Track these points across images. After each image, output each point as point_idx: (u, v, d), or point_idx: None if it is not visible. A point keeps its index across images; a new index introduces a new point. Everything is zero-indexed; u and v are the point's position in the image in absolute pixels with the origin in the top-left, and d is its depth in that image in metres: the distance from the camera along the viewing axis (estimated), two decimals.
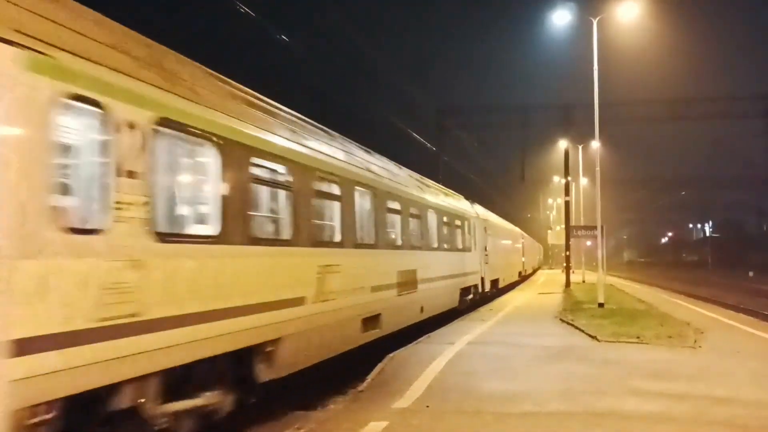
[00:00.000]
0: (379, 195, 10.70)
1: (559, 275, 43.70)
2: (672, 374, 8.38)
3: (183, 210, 6.00)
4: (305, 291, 7.57)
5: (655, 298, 23.94)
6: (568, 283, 30.35)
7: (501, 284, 26.44)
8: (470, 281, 18.98)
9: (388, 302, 10.73)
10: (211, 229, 5.89)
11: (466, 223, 18.64)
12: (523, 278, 40.36)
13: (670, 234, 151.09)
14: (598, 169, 20.59)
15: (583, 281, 35.14)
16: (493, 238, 24.24)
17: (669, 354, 10.12)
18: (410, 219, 12.63)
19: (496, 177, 62.80)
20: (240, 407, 6.50)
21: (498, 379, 8.21)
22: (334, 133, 10.23)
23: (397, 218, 11.90)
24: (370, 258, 10.16)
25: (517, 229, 40.52)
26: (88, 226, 4.45)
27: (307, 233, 7.76)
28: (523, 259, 41.30)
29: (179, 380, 5.40)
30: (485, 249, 21.50)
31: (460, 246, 17.78)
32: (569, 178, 32.91)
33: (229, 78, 7.27)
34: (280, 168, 7.17)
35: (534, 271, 56.49)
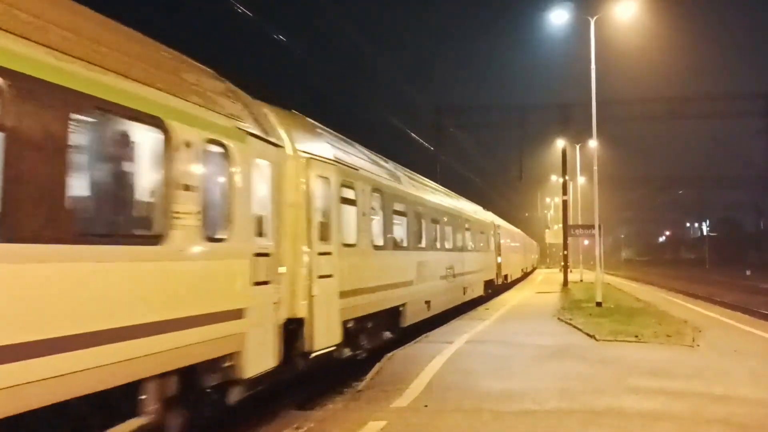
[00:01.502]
0: None
1: (557, 274, 43.73)
2: (670, 373, 8.41)
3: None
4: None
5: (652, 297, 23.99)
6: (566, 282, 30.40)
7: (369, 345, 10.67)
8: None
9: None
10: None
11: None
12: (500, 288, 27.26)
13: (667, 233, 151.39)
14: (595, 168, 20.64)
15: (581, 280, 35.18)
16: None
17: (667, 353, 10.14)
18: None
19: (494, 177, 62.83)
20: (238, 407, 6.49)
21: (496, 377, 8.22)
22: None
23: None
24: None
25: (482, 215, 24.96)
26: None
27: None
28: (500, 259, 27.55)
29: None
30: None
31: None
32: (567, 177, 32.94)
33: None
34: None
35: (525, 275, 46.11)
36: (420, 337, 12.14)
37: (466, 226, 19.91)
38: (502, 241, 28.86)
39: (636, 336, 11.72)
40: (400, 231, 12.62)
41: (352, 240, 9.44)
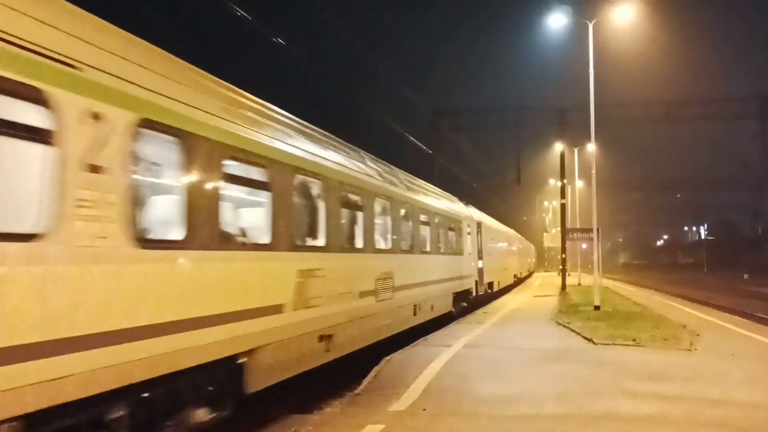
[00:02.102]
0: None
1: (555, 278, 43.78)
2: (667, 376, 8.41)
3: None
4: None
5: (650, 301, 24.01)
6: (564, 286, 30.43)
7: None
8: None
9: None
10: None
11: None
12: (481, 301, 21.72)
13: (665, 236, 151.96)
14: (594, 171, 20.65)
15: (579, 284, 35.23)
16: None
17: (664, 356, 10.15)
18: None
19: (492, 180, 62.97)
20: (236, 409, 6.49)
21: (494, 381, 8.23)
22: None
23: None
24: None
25: (456, 208, 19.16)
26: None
27: None
28: (481, 264, 22.17)
29: None
30: None
31: None
32: (565, 181, 33.00)
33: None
34: None
35: (519, 280, 41.93)
36: (418, 341, 12.13)
37: (424, 219, 14.21)
38: (486, 242, 24.07)
39: (634, 339, 11.73)
40: (250, 217, 7.43)
41: (23, 225, 4.18)
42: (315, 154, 8.54)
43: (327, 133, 9.94)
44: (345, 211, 9.49)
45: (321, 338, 8.21)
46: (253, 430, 7.04)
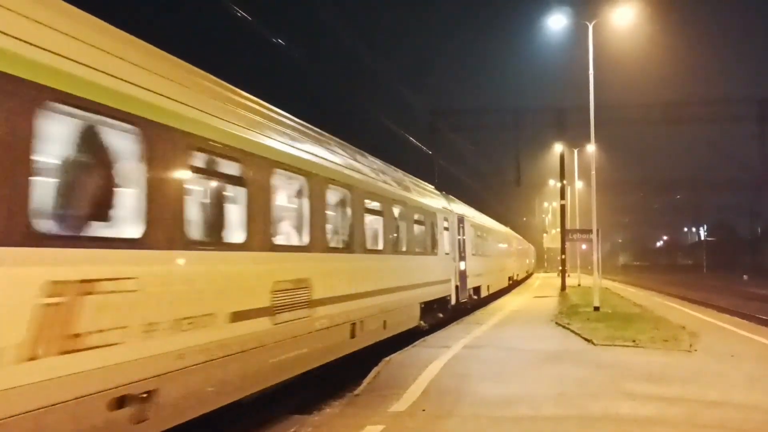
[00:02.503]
0: None
1: (554, 279, 43.79)
2: (667, 378, 8.42)
3: None
4: None
5: (650, 302, 24.02)
6: (563, 287, 30.45)
7: None
8: None
9: None
10: None
11: None
12: (463, 310, 18.41)
13: (665, 237, 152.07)
14: (593, 173, 20.66)
15: (579, 285, 35.23)
16: None
17: (664, 357, 10.16)
18: None
19: (492, 181, 62.90)
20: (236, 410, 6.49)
21: (494, 382, 8.23)
22: None
23: None
24: None
25: (427, 198, 15.53)
26: None
27: None
28: (463, 265, 18.66)
29: None
30: None
31: None
32: (564, 182, 33.01)
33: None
34: None
35: (515, 283, 38.28)
36: (417, 342, 12.14)
37: (372, 207, 10.68)
38: (472, 240, 20.62)
39: (633, 341, 11.74)
40: None
41: None
42: (109, 74, 4.70)
43: (194, 68, 6.41)
44: (203, 186, 6.19)
45: (120, 403, 4.53)
46: (253, 430, 7.05)
